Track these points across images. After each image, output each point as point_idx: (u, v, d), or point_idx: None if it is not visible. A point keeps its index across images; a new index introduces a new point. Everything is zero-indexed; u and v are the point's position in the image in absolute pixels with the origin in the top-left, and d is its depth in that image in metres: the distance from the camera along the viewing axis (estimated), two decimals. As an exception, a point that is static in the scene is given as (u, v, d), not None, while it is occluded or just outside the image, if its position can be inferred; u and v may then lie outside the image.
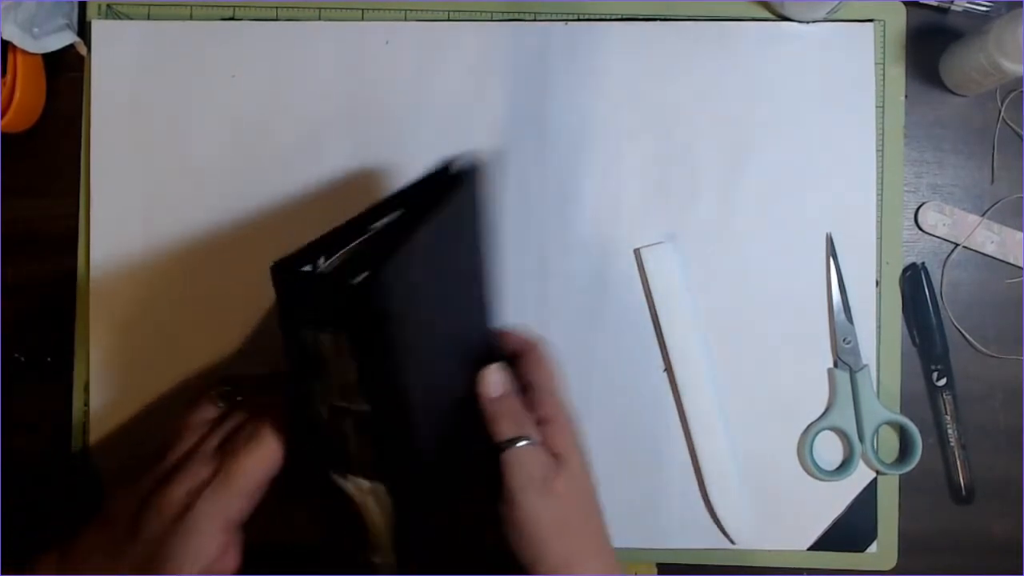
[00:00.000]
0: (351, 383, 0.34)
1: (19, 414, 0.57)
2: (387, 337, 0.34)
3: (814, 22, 0.57)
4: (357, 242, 0.38)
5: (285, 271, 0.34)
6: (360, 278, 0.32)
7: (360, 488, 0.37)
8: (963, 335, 0.57)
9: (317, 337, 0.34)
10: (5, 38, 0.52)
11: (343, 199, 0.57)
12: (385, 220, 0.41)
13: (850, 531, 0.56)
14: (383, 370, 0.34)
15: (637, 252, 0.57)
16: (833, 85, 0.57)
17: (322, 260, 0.35)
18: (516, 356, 0.45)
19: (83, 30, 0.57)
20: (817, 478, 0.56)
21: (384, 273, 0.32)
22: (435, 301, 0.39)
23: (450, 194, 0.40)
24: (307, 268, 0.35)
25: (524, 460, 0.40)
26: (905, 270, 0.57)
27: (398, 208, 0.42)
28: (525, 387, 0.44)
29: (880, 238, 0.57)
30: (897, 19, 0.58)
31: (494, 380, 0.42)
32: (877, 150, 0.57)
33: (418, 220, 0.37)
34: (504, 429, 0.40)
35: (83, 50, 0.57)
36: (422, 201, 0.39)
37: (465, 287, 0.44)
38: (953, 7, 0.57)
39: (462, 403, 0.42)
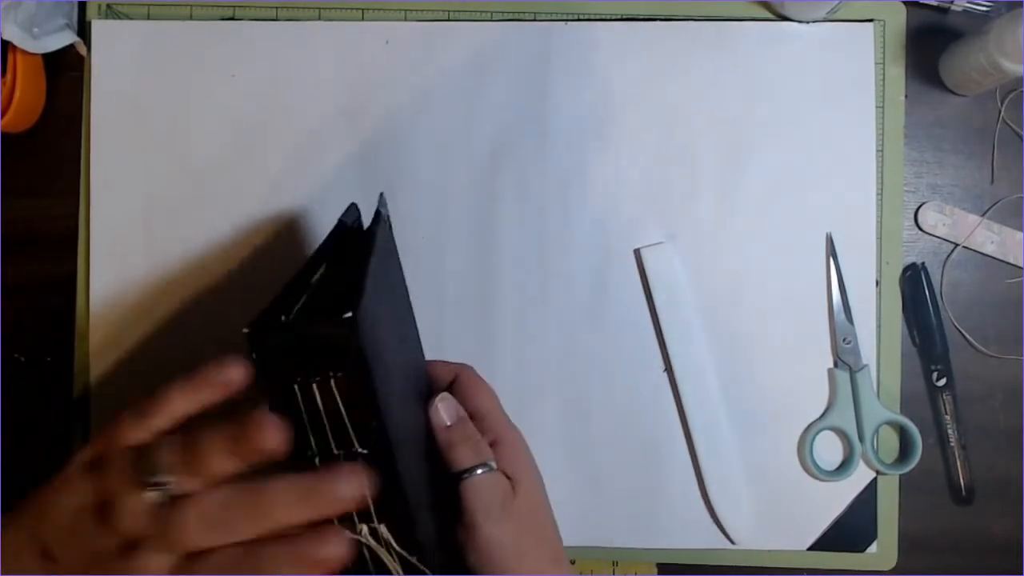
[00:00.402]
0: (344, 428, 0.35)
1: (19, 414, 0.57)
2: (374, 371, 0.34)
3: (814, 22, 0.57)
4: (307, 296, 0.39)
5: (266, 328, 0.34)
6: (348, 313, 0.32)
7: (366, 535, 0.37)
8: (963, 335, 0.57)
9: (308, 388, 0.34)
10: (5, 38, 0.52)
11: (343, 199, 0.57)
12: (319, 273, 0.42)
13: (850, 531, 0.56)
14: (376, 406, 0.34)
15: (637, 252, 0.57)
16: (833, 85, 0.57)
17: (283, 319, 0.35)
18: (450, 385, 0.46)
19: (83, 30, 0.57)
20: (817, 478, 0.56)
21: (363, 307, 0.33)
22: (390, 338, 0.39)
23: (374, 237, 0.41)
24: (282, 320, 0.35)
25: (483, 487, 0.41)
26: (905, 270, 0.57)
27: (322, 263, 0.42)
28: (468, 414, 0.45)
29: (880, 238, 0.57)
30: (897, 19, 0.58)
31: (443, 409, 0.43)
32: (877, 150, 0.57)
33: (363, 261, 0.38)
34: (461, 458, 0.41)
35: (83, 50, 0.57)
36: (349, 249, 0.41)
37: (404, 322, 0.46)
38: (953, 7, 0.57)
39: (422, 436, 0.43)
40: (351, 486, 0.34)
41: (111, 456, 0.35)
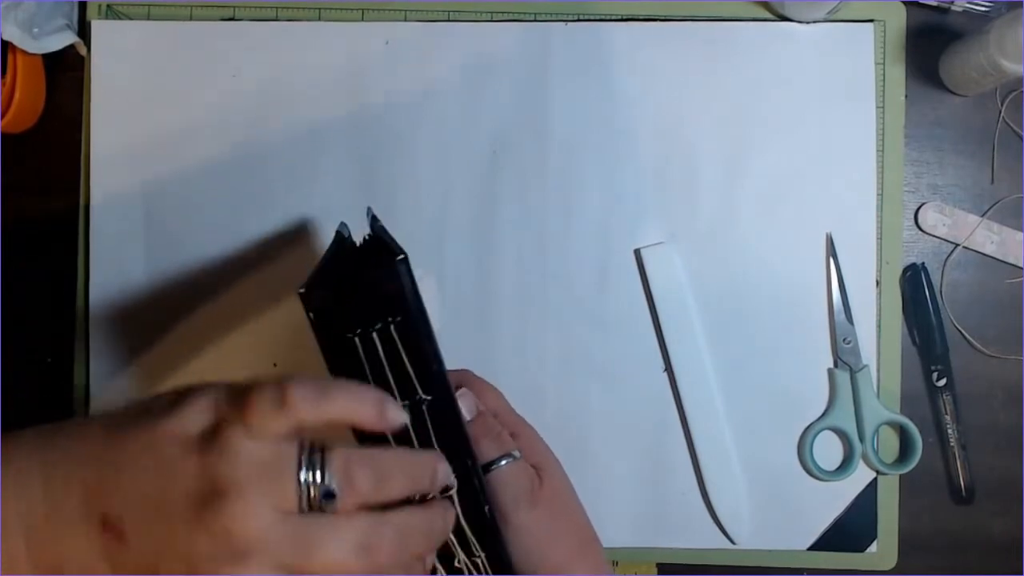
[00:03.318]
0: (407, 375, 0.35)
1: (19, 414, 0.57)
2: (425, 316, 0.35)
3: (814, 22, 0.57)
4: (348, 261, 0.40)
5: (322, 282, 0.35)
6: (400, 255, 0.34)
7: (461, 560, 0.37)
8: (963, 335, 0.57)
9: (369, 338, 0.35)
10: (5, 38, 0.52)
11: (343, 199, 0.57)
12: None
13: (850, 531, 0.56)
14: (435, 348, 0.35)
15: (637, 252, 0.57)
16: (833, 85, 0.57)
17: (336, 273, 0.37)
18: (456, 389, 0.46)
19: (83, 30, 0.57)
20: (817, 478, 0.56)
21: (408, 257, 0.34)
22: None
23: (384, 232, 0.42)
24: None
25: (510, 478, 0.41)
26: (905, 270, 0.57)
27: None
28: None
29: (880, 238, 0.57)
30: (897, 19, 0.58)
31: (464, 404, 0.43)
32: (877, 150, 0.57)
33: (391, 238, 0.39)
34: (486, 450, 0.41)
35: (83, 50, 0.57)
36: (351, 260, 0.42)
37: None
38: (953, 7, 0.57)
39: None
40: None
41: (260, 430, 0.29)
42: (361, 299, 0.34)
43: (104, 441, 0.30)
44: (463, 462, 0.37)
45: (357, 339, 0.35)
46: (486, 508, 0.37)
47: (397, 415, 0.32)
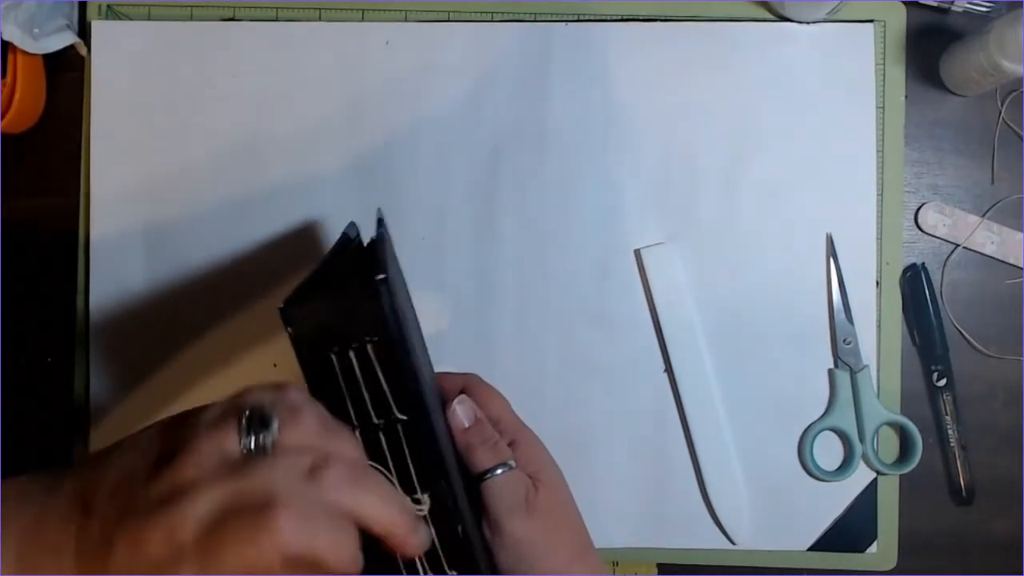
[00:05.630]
0: (383, 394, 0.35)
1: (19, 414, 0.57)
2: (407, 336, 0.35)
3: (814, 22, 0.57)
4: (332, 278, 0.40)
5: (301, 299, 0.35)
6: (381, 275, 0.34)
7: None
8: (963, 335, 0.57)
9: (346, 356, 0.35)
10: (5, 38, 0.52)
11: (343, 199, 0.57)
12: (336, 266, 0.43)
13: (850, 531, 0.56)
14: (412, 367, 0.35)
15: (637, 252, 0.57)
16: (833, 85, 0.57)
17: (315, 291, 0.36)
18: (459, 395, 0.46)
19: (83, 30, 0.57)
20: (817, 478, 0.56)
21: (391, 275, 0.34)
22: (410, 332, 0.40)
23: (383, 241, 0.42)
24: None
25: (505, 487, 0.41)
26: (905, 270, 0.57)
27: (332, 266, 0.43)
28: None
29: (880, 238, 0.57)
30: (897, 19, 0.58)
31: (461, 412, 0.43)
32: (877, 150, 0.57)
33: (380, 250, 0.39)
34: (481, 459, 0.41)
35: (83, 50, 0.57)
36: (354, 259, 0.41)
37: (415, 327, 0.46)
38: (953, 7, 0.57)
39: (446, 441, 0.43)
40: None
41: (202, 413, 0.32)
42: (340, 318, 0.34)
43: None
44: (437, 483, 0.36)
45: (334, 356, 0.35)
46: (459, 528, 0.37)
47: (423, 539, 0.34)
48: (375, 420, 0.35)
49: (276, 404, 0.32)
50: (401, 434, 0.36)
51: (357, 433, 0.35)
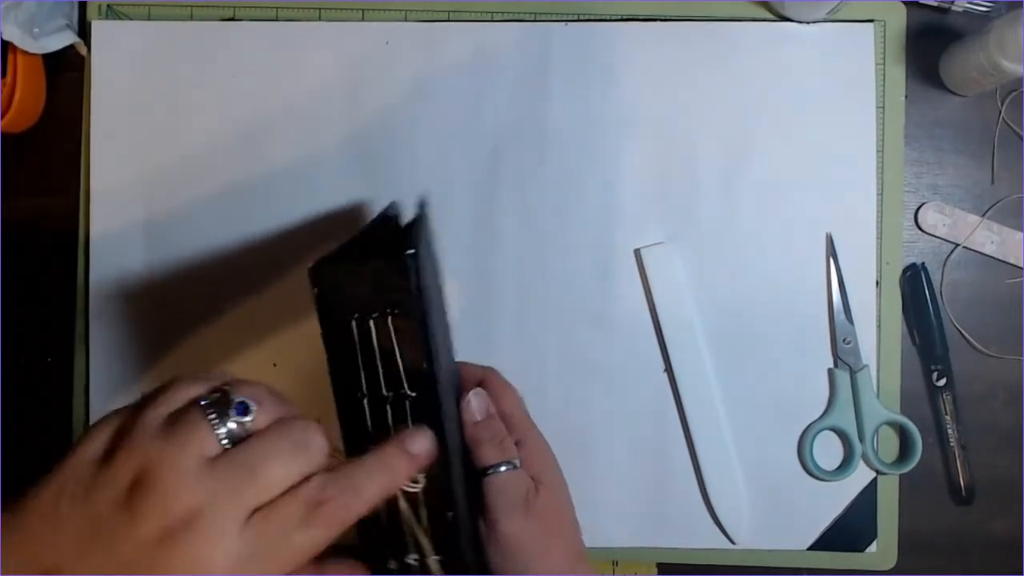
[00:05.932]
0: (396, 368, 0.35)
1: (19, 414, 0.57)
2: (428, 315, 0.35)
3: (814, 22, 0.57)
4: (365, 247, 0.40)
5: (328, 265, 0.35)
6: (411, 250, 0.34)
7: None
8: (963, 335, 0.57)
9: (365, 325, 0.35)
10: (5, 38, 0.52)
11: (343, 199, 0.57)
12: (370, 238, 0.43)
13: (850, 531, 0.56)
14: (429, 349, 0.35)
15: (637, 252, 0.57)
16: (833, 85, 0.57)
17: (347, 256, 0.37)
18: (477, 387, 0.47)
19: (83, 30, 0.57)
20: (817, 478, 0.56)
21: (420, 251, 0.34)
22: (436, 316, 0.40)
23: (422, 221, 0.43)
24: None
25: (506, 485, 0.41)
26: (905, 270, 0.57)
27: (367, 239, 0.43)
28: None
29: (880, 238, 0.57)
30: (897, 19, 0.58)
31: (475, 405, 0.43)
32: (877, 150, 0.57)
33: (416, 230, 0.39)
34: (487, 454, 0.42)
35: (83, 50, 0.57)
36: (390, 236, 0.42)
37: (441, 313, 0.46)
38: (953, 7, 0.57)
39: (457, 429, 0.43)
40: (422, 442, 0.34)
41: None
42: (365, 286, 0.35)
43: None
44: (438, 464, 0.37)
45: (354, 323, 0.35)
46: (449, 515, 0.37)
47: (422, 443, 0.34)
48: (384, 392, 0.36)
49: (233, 390, 0.31)
50: (408, 410, 0.36)
51: (365, 402, 0.36)
